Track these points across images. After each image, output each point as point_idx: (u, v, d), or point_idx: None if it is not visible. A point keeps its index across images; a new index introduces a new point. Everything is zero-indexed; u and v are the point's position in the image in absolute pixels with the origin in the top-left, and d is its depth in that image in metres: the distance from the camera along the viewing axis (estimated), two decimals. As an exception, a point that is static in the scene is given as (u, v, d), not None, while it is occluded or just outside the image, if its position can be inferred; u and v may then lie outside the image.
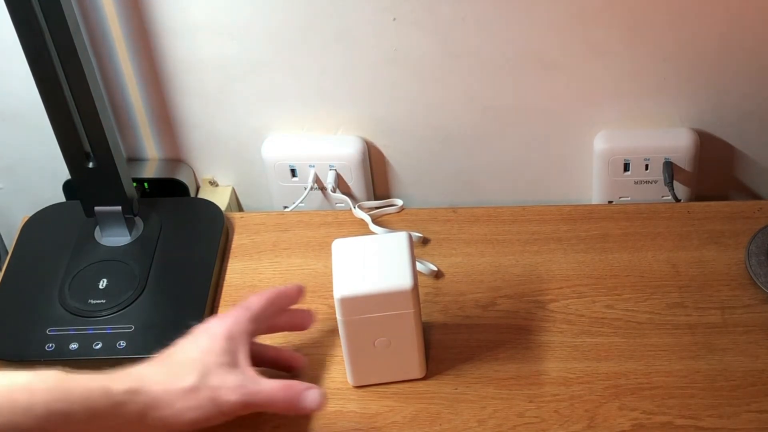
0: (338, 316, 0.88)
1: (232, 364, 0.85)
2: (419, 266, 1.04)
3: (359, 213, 1.11)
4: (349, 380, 0.94)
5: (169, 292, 1.04)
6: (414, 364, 0.93)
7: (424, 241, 1.08)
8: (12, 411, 0.75)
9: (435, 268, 1.04)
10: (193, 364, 0.84)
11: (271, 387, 0.85)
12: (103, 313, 1.01)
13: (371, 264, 0.88)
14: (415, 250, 1.06)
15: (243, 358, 0.86)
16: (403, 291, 0.87)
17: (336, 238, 0.91)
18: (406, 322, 0.89)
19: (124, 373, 0.82)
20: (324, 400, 0.86)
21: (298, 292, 0.93)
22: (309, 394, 0.86)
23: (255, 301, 0.90)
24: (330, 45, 1.08)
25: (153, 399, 0.81)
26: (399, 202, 1.13)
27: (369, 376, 0.93)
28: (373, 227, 1.09)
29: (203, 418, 0.83)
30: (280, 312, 0.93)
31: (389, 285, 0.87)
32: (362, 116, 1.14)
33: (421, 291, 1.01)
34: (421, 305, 0.99)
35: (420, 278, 1.03)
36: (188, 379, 0.83)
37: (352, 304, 0.87)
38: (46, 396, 0.76)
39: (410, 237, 0.91)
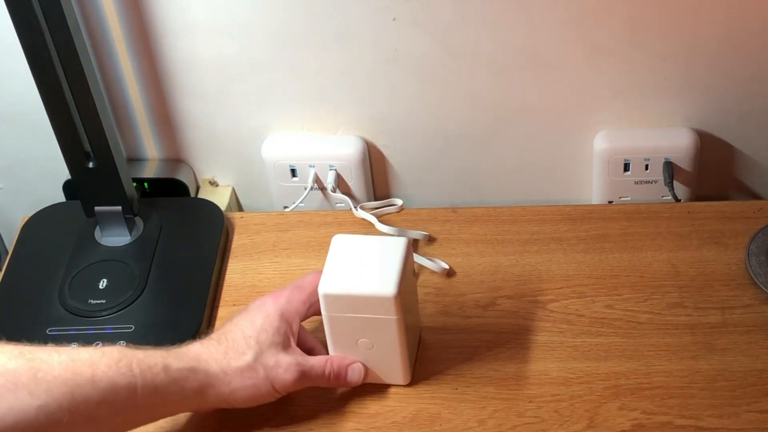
0: (323, 311, 0.89)
1: (285, 343, 0.88)
2: (430, 264, 1.03)
3: (362, 214, 1.11)
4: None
5: (169, 292, 1.04)
6: (397, 371, 0.92)
7: (431, 240, 1.07)
8: (76, 383, 0.77)
9: (446, 266, 1.04)
10: (248, 343, 0.87)
11: (320, 364, 0.89)
12: (103, 313, 1.01)
13: (362, 265, 0.88)
14: (421, 249, 1.06)
15: (293, 338, 0.89)
16: (385, 297, 0.86)
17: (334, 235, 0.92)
18: (389, 328, 0.88)
19: (182, 351, 0.85)
20: (365, 375, 0.92)
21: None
22: (353, 368, 0.91)
23: (309, 283, 0.92)
24: (330, 45, 1.08)
25: (211, 377, 0.84)
26: (399, 202, 1.13)
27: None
28: (380, 227, 1.09)
29: (258, 395, 0.87)
30: None
31: (372, 289, 0.87)
32: (362, 116, 1.14)
33: (421, 291, 1.01)
34: (421, 305, 0.99)
35: (429, 276, 1.03)
36: (245, 358, 0.86)
37: (334, 300, 0.88)
38: (109, 370, 0.78)
39: (408, 243, 0.90)
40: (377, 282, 0.87)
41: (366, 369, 0.92)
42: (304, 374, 0.88)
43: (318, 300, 0.90)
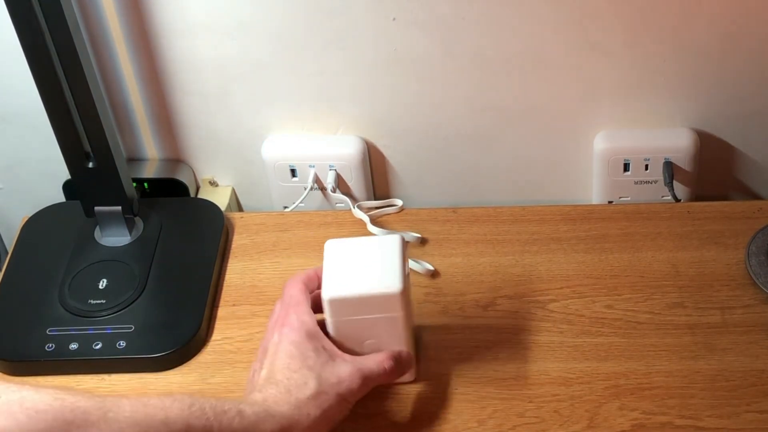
0: (327, 317, 0.88)
1: (331, 357, 0.87)
2: (415, 266, 1.04)
3: (358, 213, 1.11)
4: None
5: (169, 292, 1.04)
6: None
7: (423, 241, 1.08)
8: (149, 425, 0.74)
9: (431, 268, 1.04)
10: (304, 374, 0.84)
11: (376, 361, 0.88)
12: (103, 313, 1.01)
13: (362, 266, 0.88)
14: (414, 250, 1.06)
15: (332, 348, 0.88)
16: (392, 294, 0.86)
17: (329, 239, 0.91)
18: (395, 326, 0.88)
19: (249, 398, 0.82)
20: (410, 359, 0.91)
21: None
22: (403, 355, 0.90)
23: (298, 295, 0.89)
24: (330, 45, 1.08)
25: (287, 417, 0.81)
26: (399, 203, 1.13)
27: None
28: (371, 227, 1.09)
29: (337, 415, 0.85)
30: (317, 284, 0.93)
31: (378, 288, 0.87)
32: (362, 116, 1.14)
33: (421, 291, 1.02)
34: (421, 305, 1.00)
35: (418, 278, 1.03)
36: (310, 387, 0.84)
37: (340, 305, 0.87)
38: (183, 413, 0.76)
39: (403, 240, 0.90)
40: (382, 280, 0.87)
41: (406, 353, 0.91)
42: (366, 378, 0.87)
43: (315, 305, 0.90)
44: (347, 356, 0.88)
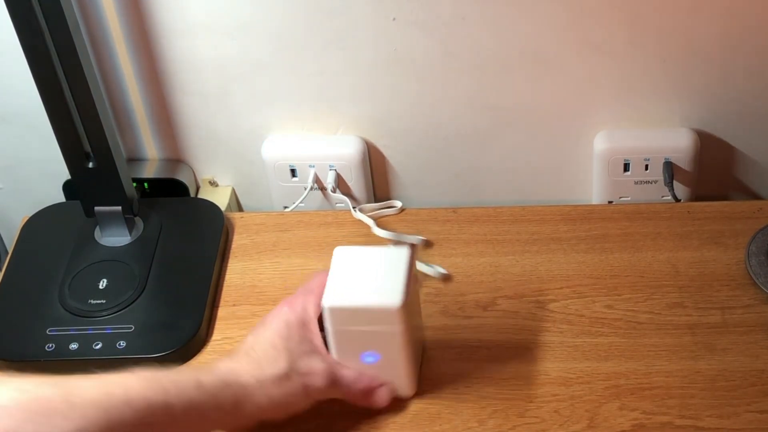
0: (326, 325, 0.88)
1: (313, 350, 0.88)
2: (427, 269, 1.03)
3: (359, 216, 1.11)
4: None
5: (169, 292, 1.04)
6: (402, 382, 0.91)
7: (427, 244, 1.07)
8: (111, 405, 0.75)
9: (444, 272, 1.03)
10: (279, 352, 0.86)
11: (351, 377, 0.89)
12: (103, 313, 1.01)
13: (367, 276, 0.87)
14: (419, 252, 1.06)
15: (319, 343, 0.88)
16: (392, 309, 0.85)
17: (339, 239, 0.91)
18: (395, 340, 0.88)
19: (212, 367, 0.84)
20: (391, 397, 0.91)
21: None
22: (381, 391, 0.90)
23: (316, 286, 0.90)
24: (330, 45, 1.08)
25: (246, 388, 0.83)
26: (398, 204, 1.13)
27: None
28: (377, 231, 1.08)
29: (294, 403, 0.86)
30: None
31: (378, 301, 0.86)
32: (362, 116, 1.14)
33: (421, 291, 1.01)
34: (422, 305, 0.99)
35: (429, 277, 1.03)
36: (279, 367, 0.85)
37: (340, 314, 0.87)
38: (143, 390, 0.77)
39: (412, 252, 0.89)
40: (383, 294, 0.86)
41: (394, 392, 0.91)
42: (335, 381, 0.88)
43: None
44: (330, 358, 0.88)
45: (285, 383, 0.85)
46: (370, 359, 0.89)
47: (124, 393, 0.76)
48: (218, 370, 0.84)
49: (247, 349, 0.87)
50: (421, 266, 1.03)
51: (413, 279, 0.89)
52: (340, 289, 0.87)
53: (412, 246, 0.89)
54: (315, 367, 0.87)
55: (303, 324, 0.88)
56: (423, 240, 1.07)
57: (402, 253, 0.89)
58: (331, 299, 0.86)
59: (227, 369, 0.84)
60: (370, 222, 1.10)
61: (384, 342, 0.88)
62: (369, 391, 0.90)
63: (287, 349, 0.86)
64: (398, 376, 0.91)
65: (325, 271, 0.90)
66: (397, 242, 1.06)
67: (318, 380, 0.87)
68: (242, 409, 0.83)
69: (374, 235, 1.09)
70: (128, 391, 0.76)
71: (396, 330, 0.87)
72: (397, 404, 0.92)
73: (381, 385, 0.90)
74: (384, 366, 0.90)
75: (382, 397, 0.90)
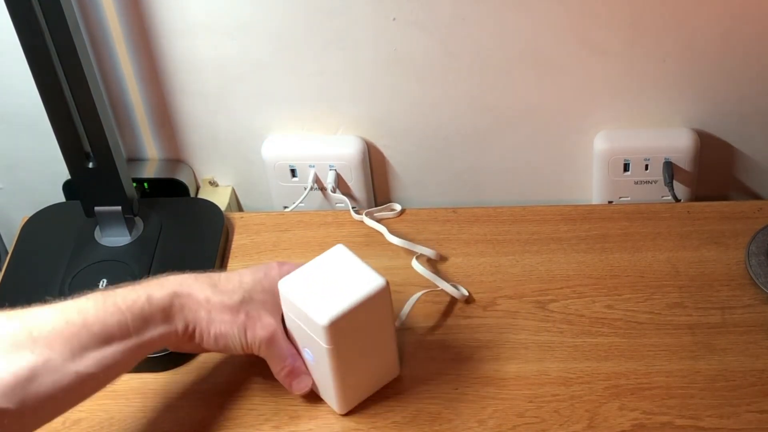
0: (326, 345, 0.85)
1: (273, 311, 0.89)
2: (451, 289, 1.01)
3: (370, 223, 1.09)
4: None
5: (169, 292, 1.04)
6: (332, 397, 0.91)
7: (424, 242, 1.07)
8: (71, 332, 0.79)
9: (466, 293, 1.01)
10: (242, 288, 0.89)
11: (286, 350, 0.90)
12: (103, 313, 1.01)
13: (330, 284, 0.86)
14: (435, 264, 1.05)
15: (279, 309, 0.90)
16: (318, 324, 0.84)
17: (339, 239, 0.91)
18: (323, 354, 0.86)
19: (164, 278, 0.87)
20: (307, 390, 0.92)
21: None
22: (302, 380, 0.91)
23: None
24: (330, 45, 1.08)
25: (193, 301, 0.86)
26: (398, 207, 1.12)
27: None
28: (390, 238, 1.06)
29: (228, 337, 0.88)
30: None
31: (311, 309, 0.84)
32: (362, 116, 1.14)
33: (421, 291, 1.01)
34: (422, 305, 1.00)
35: (419, 278, 1.03)
36: (233, 297, 0.88)
37: (285, 301, 0.88)
38: (98, 312, 0.81)
39: (387, 292, 0.87)
40: (321, 305, 0.84)
41: (313, 384, 0.92)
42: (273, 342, 0.89)
43: None
44: (280, 325, 0.90)
45: (229, 314, 0.87)
46: (307, 356, 0.90)
47: (82, 319, 0.80)
48: (169, 281, 0.87)
49: (216, 274, 0.90)
50: (444, 285, 1.01)
51: (382, 314, 0.88)
52: (300, 280, 0.87)
53: (388, 284, 0.87)
54: (263, 319, 0.88)
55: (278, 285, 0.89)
56: (436, 254, 1.05)
57: (340, 250, 0.89)
58: (285, 283, 0.87)
59: (180, 280, 0.87)
60: (383, 229, 1.08)
61: (317, 350, 0.88)
62: (293, 372, 0.91)
63: (251, 291, 0.89)
64: (329, 389, 0.90)
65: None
66: (410, 251, 1.05)
67: (259, 330, 0.88)
68: (184, 321, 0.86)
69: (384, 241, 1.08)
70: (86, 317, 0.80)
71: (323, 347, 0.86)
72: (398, 404, 0.92)
73: (306, 374, 0.91)
74: (318, 372, 0.90)
75: (300, 385, 0.91)
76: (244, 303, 0.88)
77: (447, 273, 1.04)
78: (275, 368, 0.91)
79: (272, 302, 0.89)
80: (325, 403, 0.93)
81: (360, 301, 0.85)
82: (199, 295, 0.87)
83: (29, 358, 0.77)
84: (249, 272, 0.91)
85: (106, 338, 0.81)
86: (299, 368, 0.91)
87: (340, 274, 0.87)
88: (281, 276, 0.89)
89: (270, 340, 0.89)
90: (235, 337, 0.88)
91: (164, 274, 0.88)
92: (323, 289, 0.86)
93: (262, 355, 0.90)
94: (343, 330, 0.84)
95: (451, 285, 1.01)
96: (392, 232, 1.08)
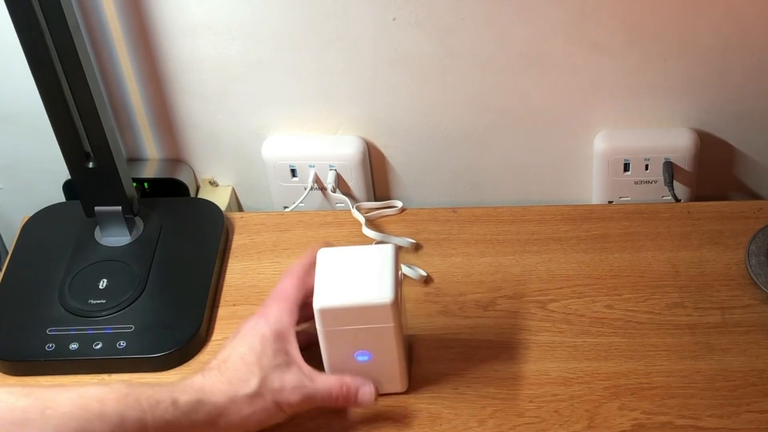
0: (318, 327, 0.87)
1: (288, 363, 0.87)
2: (408, 271, 1.03)
3: (357, 214, 1.11)
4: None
5: (169, 292, 1.04)
6: (395, 378, 0.92)
7: (417, 247, 1.07)
8: (86, 419, 0.77)
9: (424, 274, 1.03)
10: (251, 370, 0.86)
11: (327, 384, 0.88)
12: (103, 313, 1.01)
13: (354, 275, 0.88)
14: (414, 251, 1.06)
15: (295, 354, 0.88)
16: (383, 305, 0.86)
17: (339, 239, 0.91)
18: (387, 336, 0.88)
19: (187, 384, 0.84)
20: (376, 395, 0.90)
21: (321, 249, 0.92)
22: (364, 390, 0.89)
23: (289, 290, 0.90)
24: (330, 45, 1.08)
25: (219, 408, 0.84)
26: (398, 204, 1.12)
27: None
28: (366, 231, 1.08)
29: (268, 418, 0.87)
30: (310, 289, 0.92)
31: (369, 298, 0.86)
32: (362, 116, 1.14)
33: (421, 291, 1.02)
34: (421, 305, 1.00)
35: (412, 283, 1.03)
36: (250, 386, 0.85)
37: (331, 315, 0.87)
38: (118, 404, 0.78)
39: (396, 249, 0.90)
40: (373, 291, 0.86)
41: (377, 390, 0.90)
42: (309, 395, 0.87)
43: (303, 306, 0.89)
44: (305, 368, 0.88)
45: (257, 401, 0.85)
46: (362, 358, 0.89)
47: (100, 408, 0.78)
48: (193, 387, 0.84)
49: (219, 365, 0.86)
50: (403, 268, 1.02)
51: (399, 276, 0.89)
52: (329, 289, 0.87)
53: (396, 244, 0.89)
54: (287, 383, 0.86)
55: (278, 336, 0.87)
56: (412, 243, 1.07)
57: (387, 251, 0.89)
58: (322, 300, 0.86)
59: (200, 386, 0.84)
60: (362, 220, 1.10)
61: (376, 339, 0.88)
62: (349, 396, 0.89)
63: (260, 365, 0.86)
64: (391, 373, 0.91)
65: (292, 271, 0.90)
66: (381, 242, 1.06)
67: (290, 396, 0.87)
68: (215, 427, 0.84)
69: (364, 235, 1.09)
70: (104, 406, 0.78)
71: (388, 326, 0.87)
72: (398, 404, 0.92)
73: (361, 386, 0.89)
74: (376, 364, 0.90)
75: (366, 397, 0.90)
76: (263, 382, 0.85)
77: (446, 272, 1.04)
78: (333, 405, 0.90)
79: (284, 355, 0.87)
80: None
81: (393, 270, 0.88)
82: (222, 399, 0.84)
83: None
84: (246, 348, 0.87)
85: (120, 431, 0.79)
86: (349, 390, 0.89)
87: (353, 264, 0.88)
88: (272, 325, 0.87)
89: (306, 398, 0.87)
90: (274, 416, 0.87)
91: (187, 378, 0.86)
92: (355, 282, 0.87)
93: (309, 408, 0.89)
94: (397, 303, 0.86)
95: (407, 266, 1.03)
96: (391, 232, 1.08)
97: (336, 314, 0.87)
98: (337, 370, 0.90)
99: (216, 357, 0.88)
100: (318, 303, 0.86)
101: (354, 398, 0.89)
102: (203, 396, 0.83)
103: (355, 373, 0.90)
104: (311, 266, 0.91)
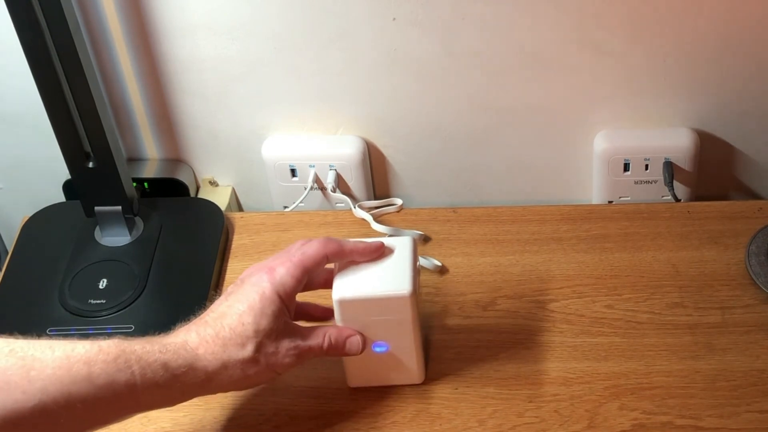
0: (336, 318, 0.88)
1: (284, 327, 0.86)
2: (423, 262, 1.04)
3: (359, 213, 1.12)
4: (348, 381, 0.94)
5: (169, 292, 1.04)
6: (412, 370, 0.92)
7: (425, 240, 1.08)
8: (73, 381, 0.75)
9: (439, 264, 1.04)
10: (248, 333, 0.84)
11: (317, 341, 0.87)
12: (103, 313, 1.01)
13: (372, 267, 0.88)
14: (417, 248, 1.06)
15: (291, 315, 0.87)
16: (402, 297, 0.86)
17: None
18: (405, 328, 0.88)
19: (179, 346, 0.82)
20: (362, 345, 0.89)
21: (372, 250, 0.90)
22: (351, 341, 0.88)
23: (308, 257, 0.87)
24: (330, 45, 1.08)
25: (211, 373, 0.82)
26: (398, 202, 1.13)
27: (367, 378, 0.93)
28: (375, 226, 1.09)
29: (260, 381, 0.87)
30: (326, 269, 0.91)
31: (388, 290, 0.87)
32: (362, 116, 1.14)
33: (421, 291, 1.01)
34: (422, 305, 0.99)
35: (423, 275, 1.03)
36: (247, 350, 0.83)
37: (349, 306, 0.87)
38: (107, 367, 0.76)
39: (414, 242, 0.90)
40: (392, 283, 0.87)
41: (364, 341, 0.89)
42: (302, 356, 0.86)
43: (312, 275, 0.88)
44: (298, 329, 0.87)
45: (250, 366, 0.84)
46: (379, 349, 0.90)
47: (88, 370, 0.75)
48: (185, 350, 0.82)
49: (215, 320, 0.84)
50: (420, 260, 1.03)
51: (417, 268, 0.90)
52: (348, 281, 0.87)
53: (416, 238, 0.89)
54: (281, 347, 0.85)
55: (279, 297, 0.85)
56: (421, 235, 1.07)
57: (405, 243, 0.90)
58: (341, 292, 0.87)
59: (194, 349, 0.82)
60: (368, 217, 1.10)
61: (394, 331, 0.89)
62: (337, 348, 0.88)
63: (256, 329, 0.84)
64: (409, 364, 0.92)
65: (322, 240, 0.88)
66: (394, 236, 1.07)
67: (283, 359, 0.85)
68: (207, 388, 0.83)
69: (373, 232, 1.09)
70: (92, 368, 0.76)
71: (406, 318, 0.88)
72: (398, 404, 0.92)
73: (350, 336, 0.88)
74: (394, 355, 0.90)
75: (353, 347, 0.88)
76: (259, 347, 0.84)
77: (447, 273, 1.04)
78: (320, 354, 0.88)
79: (281, 320, 0.85)
80: (324, 402, 0.93)
81: (411, 262, 0.88)
82: (215, 363, 0.82)
83: (20, 399, 0.72)
84: (245, 305, 0.84)
85: (109, 396, 0.76)
86: (338, 338, 0.88)
87: (384, 260, 0.89)
88: (275, 284, 0.85)
89: (298, 360, 0.86)
90: (267, 378, 0.86)
91: (180, 333, 0.84)
92: (373, 274, 0.87)
93: (303, 363, 0.87)
94: (415, 294, 0.87)
95: (422, 257, 1.03)
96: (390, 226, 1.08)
97: (354, 305, 0.87)
98: (355, 360, 0.90)
99: (213, 309, 0.86)
100: (337, 294, 0.87)
101: (342, 348, 0.88)
102: (195, 361, 0.81)
103: (372, 364, 0.91)
104: (339, 248, 0.88)
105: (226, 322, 0.84)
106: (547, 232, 1.08)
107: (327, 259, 0.88)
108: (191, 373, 0.81)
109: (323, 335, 0.88)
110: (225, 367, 0.83)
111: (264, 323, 0.84)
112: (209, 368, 0.82)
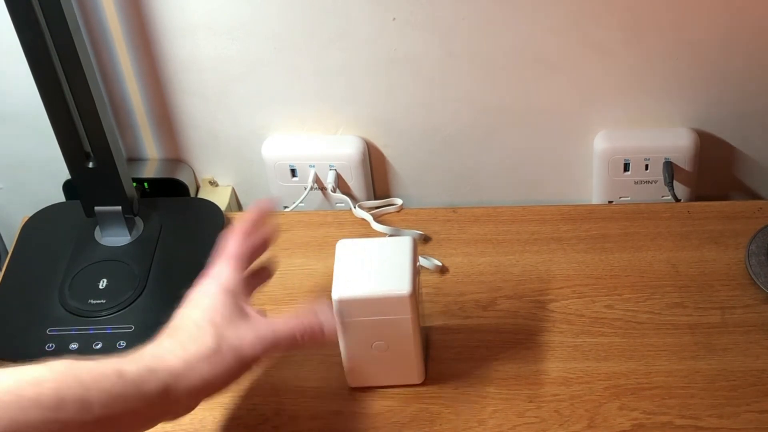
0: (336, 317, 0.88)
1: (242, 316, 0.83)
2: (423, 262, 1.04)
3: (360, 213, 1.12)
4: (348, 381, 0.94)
5: (169, 292, 1.03)
6: (412, 370, 0.92)
7: (425, 240, 1.08)
8: (19, 407, 0.70)
9: (439, 264, 1.04)
10: (205, 327, 0.81)
11: (289, 329, 0.84)
12: (103, 313, 1.01)
13: (372, 267, 0.88)
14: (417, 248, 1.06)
15: (248, 306, 0.85)
16: (401, 296, 0.86)
17: (339, 239, 0.91)
18: (404, 328, 0.88)
19: (136, 354, 0.79)
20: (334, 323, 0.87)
21: (265, 206, 0.90)
22: (329, 326, 0.86)
23: (231, 246, 0.87)
24: (330, 45, 1.08)
25: (173, 374, 0.78)
26: (399, 201, 1.13)
27: (367, 378, 0.93)
28: (375, 225, 1.09)
29: (231, 377, 0.82)
30: (260, 236, 0.90)
31: (387, 289, 0.87)
32: (362, 116, 1.14)
33: (421, 291, 1.01)
34: (422, 305, 0.99)
35: (423, 275, 1.03)
36: (206, 344, 0.80)
37: (349, 305, 0.87)
38: (56, 385, 0.72)
39: (414, 241, 0.90)
40: (391, 282, 0.87)
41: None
42: (272, 345, 0.83)
43: (248, 256, 0.88)
44: (261, 318, 0.84)
45: (216, 359, 0.80)
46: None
47: (36, 392, 0.71)
48: (142, 356, 0.78)
49: (170, 332, 0.82)
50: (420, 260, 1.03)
51: (417, 268, 0.90)
52: (348, 280, 0.87)
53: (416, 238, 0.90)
54: (246, 336, 0.82)
55: (229, 291, 0.84)
56: (421, 234, 1.07)
57: (405, 243, 0.90)
58: (340, 291, 0.87)
59: (152, 354, 0.79)
60: (369, 218, 1.10)
61: (394, 330, 0.89)
62: (314, 336, 0.85)
63: (212, 323, 0.81)
64: (408, 364, 0.92)
65: (234, 228, 0.88)
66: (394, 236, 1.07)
67: (251, 348, 0.82)
68: (173, 395, 0.78)
69: (374, 232, 1.09)
70: (41, 390, 0.71)
71: (406, 318, 0.88)
72: (398, 404, 0.92)
73: (324, 322, 0.85)
74: (394, 354, 0.90)
75: (332, 333, 0.86)
76: (218, 338, 0.81)
77: (447, 272, 1.04)
78: (301, 347, 0.85)
79: (238, 310, 0.83)
80: (324, 402, 0.93)
81: (411, 263, 0.88)
82: (175, 362, 0.78)
83: None
84: (195, 310, 0.83)
85: (59, 415, 0.71)
86: (314, 322, 0.85)
87: (371, 255, 0.89)
88: (222, 282, 0.84)
89: (267, 346, 0.83)
90: (238, 371, 0.82)
91: (136, 349, 0.79)
92: (373, 274, 0.87)
93: (274, 355, 0.85)
94: (415, 294, 0.87)
95: (423, 257, 1.03)
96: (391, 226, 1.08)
97: (354, 305, 0.87)
98: (354, 360, 0.91)
99: (166, 327, 0.83)
100: (336, 293, 0.87)
101: (320, 336, 0.85)
102: (154, 363, 0.77)
103: (372, 364, 0.91)
104: (253, 224, 0.88)
105: (182, 330, 0.82)
106: (547, 232, 1.08)
107: (248, 236, 0.87)
108: (151, 378, 0.77)
109: (294, 323, 0.84)
110: (188, 364, 0.79)
111: (219, 318, 0.82)
112: (171, 368, 0.78)
